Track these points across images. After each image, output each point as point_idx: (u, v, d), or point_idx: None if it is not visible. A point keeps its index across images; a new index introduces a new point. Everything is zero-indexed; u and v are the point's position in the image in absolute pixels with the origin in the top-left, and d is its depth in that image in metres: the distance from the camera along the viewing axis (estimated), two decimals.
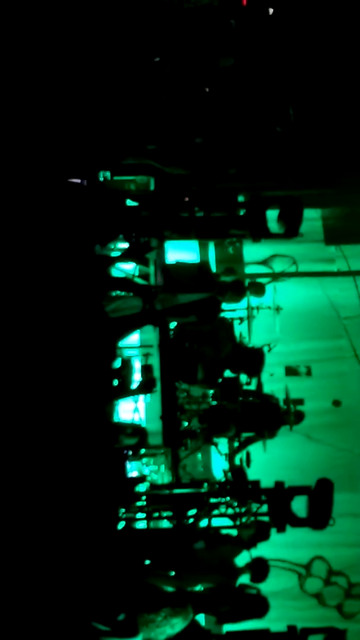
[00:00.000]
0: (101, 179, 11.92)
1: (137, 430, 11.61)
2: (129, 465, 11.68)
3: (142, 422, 12.42)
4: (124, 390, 11.85)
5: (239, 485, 11.59)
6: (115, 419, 12.00)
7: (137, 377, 12.16)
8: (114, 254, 12.13)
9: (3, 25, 10.80)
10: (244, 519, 11.43)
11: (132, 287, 11.48)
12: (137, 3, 11.86)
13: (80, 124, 11.27)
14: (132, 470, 12.15)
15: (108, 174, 12.08)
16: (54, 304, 10.49)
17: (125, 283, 11.49)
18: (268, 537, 11.16)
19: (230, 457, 12.74)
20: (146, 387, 12.03)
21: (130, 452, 11.58)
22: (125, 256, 11.83)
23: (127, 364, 11.88)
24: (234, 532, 11.28)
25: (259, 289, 13.22)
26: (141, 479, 11.69)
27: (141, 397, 12.49)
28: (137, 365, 12.36)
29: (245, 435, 12.49)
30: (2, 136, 10.61)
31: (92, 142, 11.47)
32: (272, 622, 11.32)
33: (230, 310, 13.00)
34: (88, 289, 11.02)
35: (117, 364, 11.63)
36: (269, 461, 12.77)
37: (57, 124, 11.05)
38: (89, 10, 11.44)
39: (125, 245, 11.94)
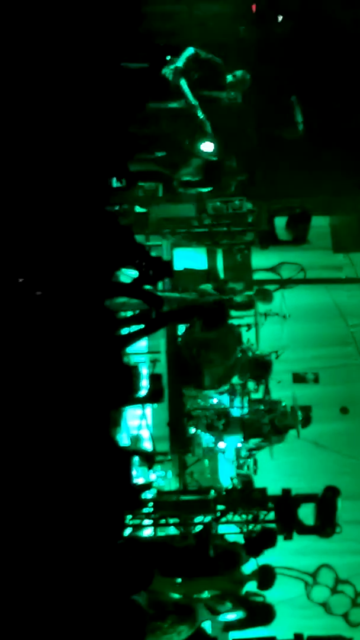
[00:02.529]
0: (115, 185, 11.93)
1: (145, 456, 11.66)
2: (134, 471, 11.67)
3: (149, 427, 12.40)
4: (131, 399, 11.84)
5: (246, 492, 11.58)
6: (123, 427, 12.00)
7: (144, 384, 12.15)
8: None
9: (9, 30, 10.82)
10: (250, 527, 11.42)
11: (140, 294, 11.47)
12: (146, 10, 11.89)
13: (87, 130, 11.28)
14: (139, 476, 12.13)
15: (124, 181, 12.11)
16: (61, 311, 10.51)
17: (132, 290, 11.48)
18: (274, 544, 11.13)
19: (238, 464, 12.74)
20: (153, 397, 12.01)
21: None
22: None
23: (135, 371, 11.87)
24: (241, 539, 11.27)
25: (266, 296, 13.22)
26: (147, 485, 11.67)
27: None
28: (144, 371, 12.36)
29: (252, 441, 12.49)
30: (8, 144, 10.63)
31: (99, 149, 11.48)
32: (279, 630, 11.31)
33: (238, 316, 13.00)
34: (95, 294, 11.03)
35: (125, 371, 11.62)
36: (276, 468, 12.77)
37: (64, 132, 11.06)
38: (95, 18, 11.46)
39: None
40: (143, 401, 12.04)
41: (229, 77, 11.97)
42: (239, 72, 11.99)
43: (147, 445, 12.20)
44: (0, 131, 10.42)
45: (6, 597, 9.23)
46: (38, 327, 10.29)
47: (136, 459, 11.53)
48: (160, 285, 12.05)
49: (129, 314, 11.72)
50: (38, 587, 9.47)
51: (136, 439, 12.32)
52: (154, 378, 12.03)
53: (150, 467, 11.67)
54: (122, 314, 11.65)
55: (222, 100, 11.95)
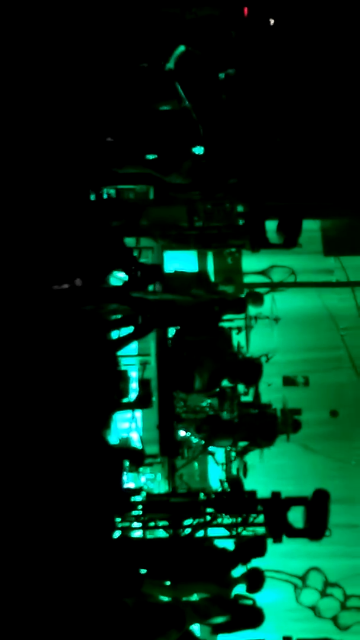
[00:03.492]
0: (105, 195, 11.92)
1: (135, 453, 11.63)
2: (125, 476, 11.66)
3: (138, 430, 12.41)
4: (120, 403, 11.84)
5: (235, 495, 11.57)
6: (113, 430, 11.98)
7: (133, 386, 12.16)
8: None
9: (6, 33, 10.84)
10: (240, 529, 11.42)
11: (129, 300, 11.46)
12: (138, 13, 11.88)
13: (79, 132, 11.28)
14: (129, 481, 12.12)
15: (113, 190, 12.11)
16: (50, 315, 10.52)
17: (121, 295, 11.47)
18: (264, 554, 11.11)
19: (227, 467, 12.75)
20: (142, 402, 12.02)
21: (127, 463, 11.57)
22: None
23: (124, 375, 11.87)
24: (230, 543, 11.26)
25: (257, 299, 13.22)
26: (137, 490, 11.66)
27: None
28: (133, 375, 12.36)
29: (242, 444, 12.50)
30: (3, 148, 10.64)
31: (91, 151, 11.48)
32: (268, 633, 11.31)
33: (229, 319, 12.99)
34: (84, 299, 11.04)
35: (115, 375, 11.62)
36: (266, 471, 12.78)
37: (56, 133, 11.06)
38: (90, 20, 11.46)
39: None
40: (132, 406, 12.04)
41: (221, 75, 11.97)
42: (231, 70, 12.01)
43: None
44: None
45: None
46: (27, 331, 10.30)
47: (126, 463, 11.51)
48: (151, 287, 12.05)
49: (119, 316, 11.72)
50: (27, 589, 9.46)
51: (126, 442, 12.32)
52: (143, 383, 12.04)
53: (139, 466, 11.64)
54: (112, 317, 11.63)
55: (215, 101, 11.96)
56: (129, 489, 11.62)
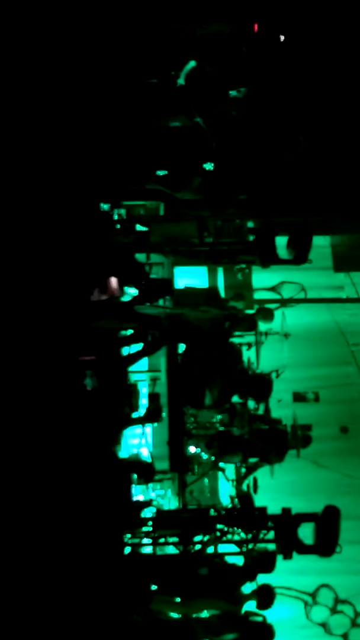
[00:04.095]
0: (115, 216, 11.95)
1: (144, 467, 11.62)
2: (134, 489, 11.65)
3: (148, 446, 12.39)
4: (130, 419, 11.85)
5: (245, 511, 11.54)
6: (123, 446, 11.98)
7: (143, 402, 12.16)
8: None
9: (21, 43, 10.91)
10: (250, 546, 11.39)
11: (138, 317, 11.47)
12: (150, 29, 11.94)
13: (89, 149, 11.32)
14: (138, 494, 12.11)
15: (123, 211, 12.14)
16: (60, 331, 10.54)
17: (131, 312, 11.48)
18: (271, 570, 11.07)
19: (238, 483, 12.71)
20: (152, 416, 12.01)
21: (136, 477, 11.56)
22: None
23: (133, 390, 11.88)
24: (240, 559, 11.24)
25: (267, 315, 13.22)
26: (147, 503, 11.64)
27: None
28: (144, 390, 12.36)
29: (252, 460, 12.47)
30: (12, 161, 10.68)
31: (101, 167, 11.51)
32: None
33: (239, 335, 12.99)
34: (93, 315, 11.07)
35: (125, 391, 11.63)
36: (276, 487, 12.74)
37: (65, 148, 11.10)
38: (101, 36, 11.52)
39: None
40: (141, 421, 12.04)
41: (233, 93, 12.01)
42: (242, 88, 12.04)
43: None
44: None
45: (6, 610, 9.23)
46: (38, 346, 10.32)
47: (135, 477, 11.50)
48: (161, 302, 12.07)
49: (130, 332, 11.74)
50: (37, 603, 9.45)
51: (136, 457, 12.30)
52: (152, 397, 12.03)
53: (149, 480, 11.61)
54: (123, 332, 11.66)
55: (225, 116, 11.99)
56: (138, 502, 11.62)
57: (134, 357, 11.67)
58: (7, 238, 10.33)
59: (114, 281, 10.99)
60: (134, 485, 11.52)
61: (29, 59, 10.92)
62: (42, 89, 11.02)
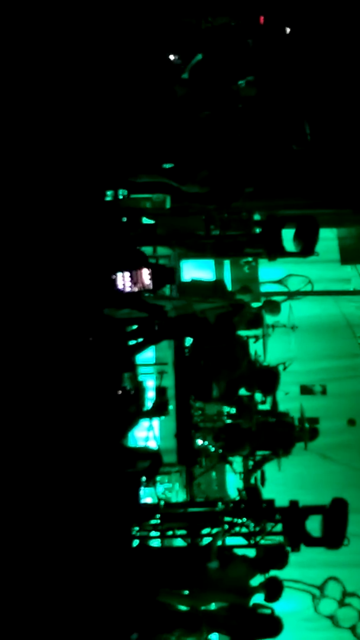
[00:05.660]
0: (120, 196, 11.93)
1: (152, 456, 11.60)
2: (142, 490, 11.64)
3: (156, 439, 12.39)
4: (137, 413, 11.84)
5: (253, 504, 11.54)
6: (131, 440, 11.98)
7: (150, 395, 12.15)
8: None
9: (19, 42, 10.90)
10: (258, 538, 11.39)
11: (144, 306, 11.46)
12: (156, 23, 11.92)
13: (97, 141, 11.31)
14: (146, 495, 12.10)
15: (125, 192, 12.11)
16: (65, 324, 10.54)
17: (137, 301, 11.48)
18: (284, 566, 11.07)
19: (245, 475, 12.71)
20: (158, 410, 12.01)
21: (144, 478, 11.53)
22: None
23: (139, 386, 11.87)
24: (248, 552, 11.23)
25: (274, 308, 13.21)
26: (155, 506, 11.64)
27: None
28: (150, 384, 12.35)
29: (260, 453, 12.47)
30: (20, 155, 10.68)
31: (108, 159, 11.50)
32: None
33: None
34: (99, 305, 11.06)
35: (131, 386, 11.63)
36: (284, 480, 12.74)
37: (73, 141, 11.09)
38: (109, 31, 11.51)
39: None
40: (148, 414, 12.04)
41: (241, 83, 12.01)
42: (251, 77, 12.04)
43: None
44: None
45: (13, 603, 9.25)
46: (43, 340, 10.32)
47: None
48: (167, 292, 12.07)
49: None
50: (42, 596, 9.46)
51: (143, 448, 12.30)
52: (159, 391, 12.03)
53: (157, 469, 11.57)
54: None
55: (231, 109, 11.98)
56: (145, 504, 11.61)
57: (139, 347, 11.66)
58: (12, 229, 10.34)
59: (145, 273, 10.98)
60: (142, 486, 11.53)
61: (33, 53, 10.92)
62: (46, 85, 11.02)
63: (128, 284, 10.95)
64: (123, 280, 10.95)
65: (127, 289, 10.92)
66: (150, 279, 10.99)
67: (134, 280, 10.97)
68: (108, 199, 11.76)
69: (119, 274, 10.94)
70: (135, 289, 10.90)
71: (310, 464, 13.73)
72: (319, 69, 13.60)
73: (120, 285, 10.91)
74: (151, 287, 11.01)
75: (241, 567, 10.81)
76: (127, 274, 10.93)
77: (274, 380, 12.52)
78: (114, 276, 10.93)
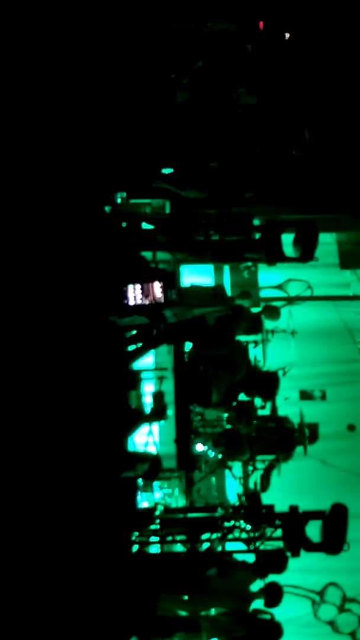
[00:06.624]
0: (118, 200, 11.93)
1: (151, 460, 11.60)
2: (140, 496, 11.64)
3: (156, 444, 12.38)
4: (136, 419, 11.85)
5: (253, 509, 11.53)
6: (130, 445, 11.97)
7: (147, 400, 12.15)
8: None
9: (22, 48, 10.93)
10: (258, 543, 11.39)
11: (144, 311, 11.46)
12: (156, 28, 11.95)
13: (96, 147, 11.32)
14: (144, 500, 12.10)
15: (124, 194, 12.11)
16: (67, 329, 10.55)
17: (142, 310, 11.48)
18: (283, 570, 11.07)
19: (245, 481, 12.70)
20: (157, 415, 12.02)
21: (142, 482, 11.53)
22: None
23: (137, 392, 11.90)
24: (248, 557, 11.23)
25: (274, 313, 13.21)
26: (152, 510, 11.63)
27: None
28: (149, 388, 12.35)
29: (262, 458, 12.46)
30: (21, 160, 10.70)
31: (108, 165, 11.52)
32: None
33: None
34: (101, 311, 11.07)
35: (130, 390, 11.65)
36: (284, 485, 12.73)
37: (73, 147, 11.11)
38: (109, 37, 11.53)
39: None
40: (146, 419, 12.04)
41: (242, 90, 12.02)
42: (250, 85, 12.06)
43: None
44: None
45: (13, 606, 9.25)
46: (43, 344, 10.33)
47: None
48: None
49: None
50: (44, 600, 9.46)
51: (143, 453, 12.29)
52: (157, 396, 12.03)
53: (156, 474, 11.58)
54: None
55: (231, 114, 12.00)
56: (143, 509, 11.61)
57: (138, 352, 11.67)
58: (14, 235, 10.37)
59: (157, 286, 10.98)
60: (139, 491, 11.53)
61: (32, 56, 10.95)
62: (47, 90, 11.05)
63: (139, 296, 10.94)
64: (134, 293, 10.94)
65: (138, 302, 10.91)
66: (161, 292, 10.99)
67: (145, 293, 10.96)
68: (107, 208, 11.77)
69: (130, 287, 10.92)
70: (146, 302, 10.89)
71: (310, 469, 13.71)
72: (319, 74, 13.61)
73: (131, 298, 10.90)
74: (162, 300, 11.01)
75: (241, 572, 10.81)
76: (138, 287, 10.91)
77: (273, 386, 12.51)
78: (124, 288, 10.92)
